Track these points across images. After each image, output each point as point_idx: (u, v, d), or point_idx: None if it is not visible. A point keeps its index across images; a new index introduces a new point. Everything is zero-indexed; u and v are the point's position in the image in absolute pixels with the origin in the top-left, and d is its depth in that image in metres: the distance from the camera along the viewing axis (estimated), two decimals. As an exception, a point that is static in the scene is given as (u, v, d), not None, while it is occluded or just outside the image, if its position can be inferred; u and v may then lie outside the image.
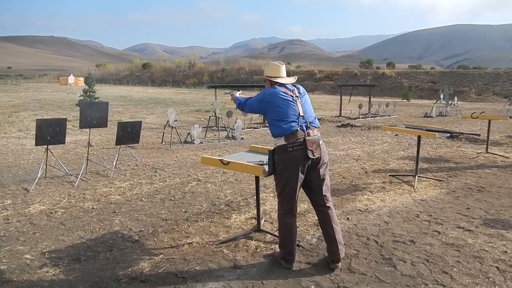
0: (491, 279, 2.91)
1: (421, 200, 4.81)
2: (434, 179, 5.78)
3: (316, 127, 3.12)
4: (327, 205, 3.11)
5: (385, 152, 8.00)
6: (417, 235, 3.73)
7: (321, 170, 3.08)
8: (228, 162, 3.38)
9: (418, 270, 3.04)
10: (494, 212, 4.38)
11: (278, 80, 3.26)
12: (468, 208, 4.50)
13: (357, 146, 8.77)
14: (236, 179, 5.73)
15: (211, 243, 3.52)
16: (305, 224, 3.98)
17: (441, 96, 18.37)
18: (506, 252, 3.36)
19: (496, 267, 3.09)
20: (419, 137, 5.84)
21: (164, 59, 66.25)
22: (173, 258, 3.22)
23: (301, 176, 3.02)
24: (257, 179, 3.70)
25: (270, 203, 4.67)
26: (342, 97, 17.11)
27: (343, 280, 2.88)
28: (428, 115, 15.86)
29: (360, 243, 3.55)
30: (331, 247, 3.08)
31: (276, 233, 3.70)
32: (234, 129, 9.92)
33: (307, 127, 3.05)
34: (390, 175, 6.02)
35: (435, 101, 18.28)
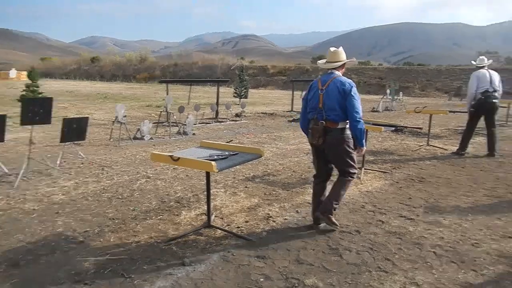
0: (429, 263, 3.08)
1: (366, 191, 5.00)
2: (379, 171, 6.02)
3: (332, 121, 3.57)
4: (343, 176, 3.70)
5: (335, 146, 8.21)
6: (362, 225, 3.87)
7: (332, 155, 3.69)
8: (178, 158, 3.33)
9: (362, 258, 3.16)
10: (433, 201, 4.63)
11: (320, 65, 3.92)
12: (410, 198, 4.72)
13: (307, 140, 8.93)
14: (186, 175, 5.67)
15: (160, 241, 3.47)
16: (255, 219, 4.01)
17: (388, 91, 19.12)
18: (442, 238, 3.56)
19: (434, 252, 3.28)
20: (366, 131, 6.03)
21: (114, 52, 64.11)
22: (120, 258, 3.14)
23: (317, 152, 3.80)
24: (207, 174, 3.68)
25: (221, 198, 4.66)
26: (294, 92, 17.36)
27: (292, 271, 2.94)
28: (375, 109, 16.46)
29: (308, 234, 3.63)
30: (323, 202, 3.75)
31: (227, 228, 3.72)
32: (185, 125, 9.80)
33: (322, 118, 3.59)
34: (338, 168, 6.19)
35: (382, 96, 18.99)
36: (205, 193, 3.82)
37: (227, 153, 3.64)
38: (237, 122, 12.44)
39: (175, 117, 10.22)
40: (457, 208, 4.38)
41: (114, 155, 7.06)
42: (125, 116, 8.68)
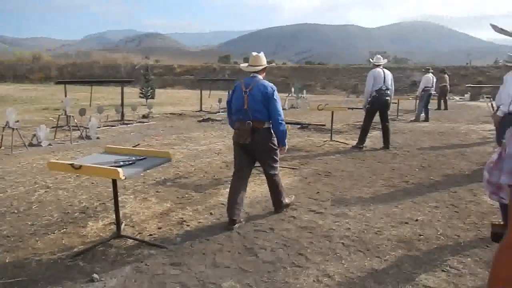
0: (338, 254, 3.25)
1: (278, 188, 5.12)
2: (289, 167, 6.23)
3: (259, 120, 3.82)
4: (269, 172, 4.01)
5: (245, 145, 8.31)
6: (276, 222, 3.97)
7: (259, 153, 3.96)
8: (80, 166, 3.10)
9: (277, 255, 3.23)
10: (339, 194, 4.92)
11: (243, 68, 4.15)
12: (318, 192, 4.95)
13: (218, 140, 8.95)
14: (92, 183, 5.32)
15: (65, 257, 3.20)
16: (168, 224, 3.89)
17: (292, 89, 19.93)
18: (349, 229, 3.79)
19: (342, 243, 3.47)
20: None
21: (2, 51, 57.98)
22: (18, 280, 2.83)
23: (241, 150, 3.97)
24: (114, 181, 3.48)
25: (131, 205, 4.45)
26: (203, 91, 17.28)
27: (208, 276, 2.90)
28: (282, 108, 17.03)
29: (224, 236, 3.61)
30: (272, 201, 4.18)
31: (138, 237, 3.56)
32: (88, 128, 9.20)
33: (249, 118, 3.80)
34: (250, 167, 6.27)
35: (287, 95, 19.73)
36: (113, 201, 3.61)
37: (134, 158, 3.48)
38: (145, 123, 12.01)
39: (76, 120, 9.53)
40: (360, 199, 4.70)
41: (6, 164, 6.36)
42: (17, 121, 7.88)
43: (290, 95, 19.15)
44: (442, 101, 16.79)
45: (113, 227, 3.75)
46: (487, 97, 16.28)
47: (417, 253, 3.28)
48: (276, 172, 4.08)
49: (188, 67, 42.95)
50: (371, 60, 8.12)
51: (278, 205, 4.18)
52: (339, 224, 3.91)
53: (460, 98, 24.52)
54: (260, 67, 4.04)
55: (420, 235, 3.64)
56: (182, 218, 4.06)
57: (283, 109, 13.67)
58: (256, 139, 3.83)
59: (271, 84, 3.95)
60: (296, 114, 14.59)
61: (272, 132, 3.94)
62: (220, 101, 15.87)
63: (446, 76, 16.38)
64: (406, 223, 3.94)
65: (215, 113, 14.88)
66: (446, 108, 16.60)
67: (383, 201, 4.61)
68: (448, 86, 16.94)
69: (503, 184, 1.11)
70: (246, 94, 3.85)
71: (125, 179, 3.07)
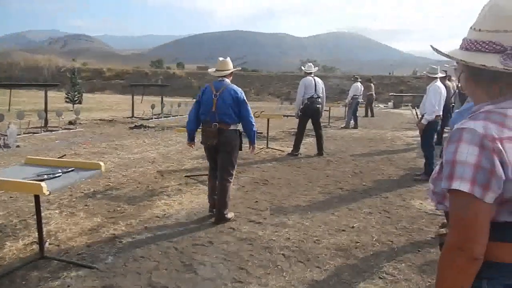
0: (279, 266, 3.20)
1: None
2: (226, 176, 6.12)
3: (226, 122, 3.99)
4: (221, 178, 4.10)
5: (180, 153, 8.09)
6: (215, 234, 3.84)
7: (221, 154, 4.09)
8: (-5, 181, 2.76)
9: (217, 271, 3.11)
10: (277, 202, 4.90)
11: (211, 73, 4.29)
12: (257, 202, 4.90)
13: (151, 148, 8.62)
14: (10, 197, 4.82)
15: (-24, 284, 2.83)
16: (98, 241, 3.61)
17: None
18: (289, 238, 3.77)
19: (283, 254, 3.43)
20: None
21: None
22: None
23: (210, 152, 4.19)
24: (36, 196, 3.15)
25: (56, 221, 4.08)
26: (134, 97, 16.66)
27: (144, 297, 2.71)
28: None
29: (160, 252, 3.42)
30: (215, 213, 4.15)
31: (64, 257, 3.26)
32: (6, 136, 8.41)
33: (215, 120, 3.98)
34: (185, 176, 6.09)
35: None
36: (35, 217, 3.27)
37: (60, 170, 3.18)
38: (71, 130, 11.27)
39: (-9, 127, 8.69)
40: (298, 207, 4.72)
41: None
42: None
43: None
44: (369, 108, 17.67)
45: (35, 247, 3.40)
46: (411, 106, 17.45)
47: (355, 261, 3.33)
48: (230, 180, 4.19)
49: (118, 71, 41.41)
50: (303, 68, 8.33)
51: (221, 217, 4.11)
52: (278, 234, 3.88)
53: (384, 106, 26.02)
54: (228, 72, 4.23)
55: (357, 242, 3.71)
56: (114, 234, 3.79)
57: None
58: (222, 140, 4.01)
59: (240, 89, 4.15)
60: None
61: (238, 135, 4.13)
62: (153, 106, 15.38)
63: (372, 85, 17.30)
64: (343, 230, 4.01)
65: (148, 119, 14.38)
66: (372, 115, 17.49)
67: (320, 209, 4.66)
68: (374, 95, 17.89)
69: (443, 189, 1.14)
70: (216, 97, 4.02)
71: (49, 194, 2.78)
